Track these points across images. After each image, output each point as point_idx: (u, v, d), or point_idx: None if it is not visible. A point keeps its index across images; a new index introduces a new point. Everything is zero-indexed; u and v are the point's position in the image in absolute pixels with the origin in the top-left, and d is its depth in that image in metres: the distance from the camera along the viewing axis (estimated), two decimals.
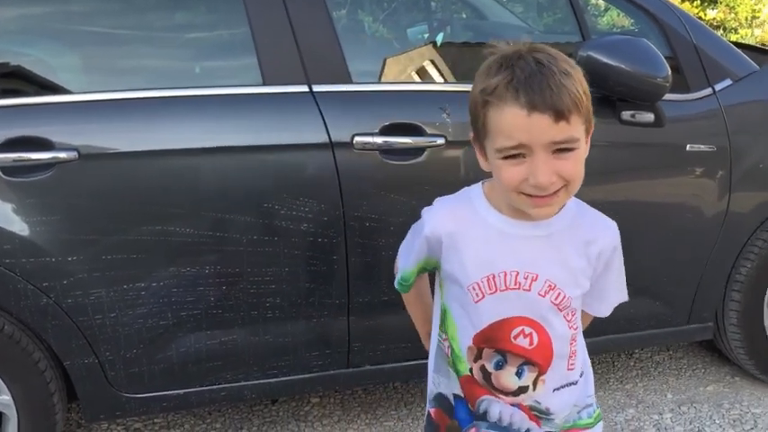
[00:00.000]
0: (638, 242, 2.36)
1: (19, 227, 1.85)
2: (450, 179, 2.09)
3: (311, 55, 2.03)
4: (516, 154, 1.16)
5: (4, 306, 1.90)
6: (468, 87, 2.12)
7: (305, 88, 2.02)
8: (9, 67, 1.95)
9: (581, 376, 1.39)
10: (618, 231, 1.34)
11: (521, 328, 1.29)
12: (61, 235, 1.87)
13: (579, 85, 1.17)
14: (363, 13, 2.77)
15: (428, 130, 2.06)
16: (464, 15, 3.43)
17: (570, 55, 2.17)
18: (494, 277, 1.27)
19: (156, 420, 2.54)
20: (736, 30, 8.55)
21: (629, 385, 2.75)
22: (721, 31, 8.43)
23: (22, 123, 1.85)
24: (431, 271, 1.41)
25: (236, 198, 1.97)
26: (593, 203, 2.22)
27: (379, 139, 2.02)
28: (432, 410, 1.45)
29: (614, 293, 1.39)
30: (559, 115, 1.13)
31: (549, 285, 1.27)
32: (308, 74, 2.02)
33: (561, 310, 1.30)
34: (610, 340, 2.48)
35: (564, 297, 1.29)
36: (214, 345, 2.07)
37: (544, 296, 1.28)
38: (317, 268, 2.07)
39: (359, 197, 2.03)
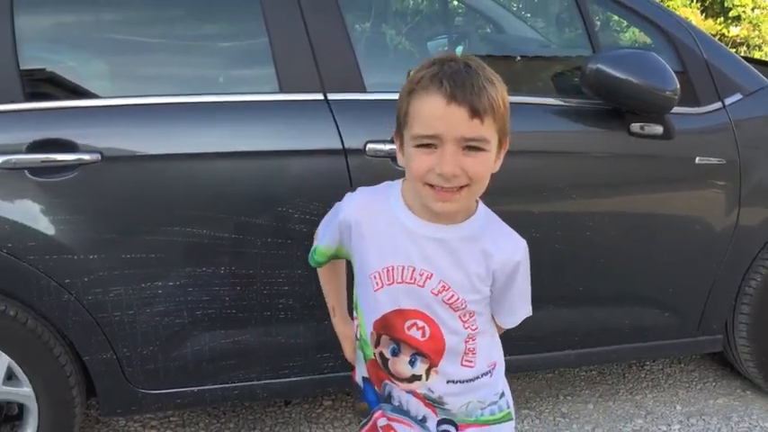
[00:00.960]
0: (647, 253, 2.39)
1: (43, 225, 1.92)
2: None
3: (326, 64, 2.10)
4: (429, 143, 1.24)
5: (28, 301, 1.97)
6: None
7: (320, 96, 2.08)
8: (38, 72, 2.03)
9: (486, 375, 1.45)
10: (525, 249, 1.39)
11: (414, 320, 1.37)
12: (84, 234, 1.95)
13: (500, 95, 1.25)
14: (386, 27, 2.84)
15: None
16: (484, 29, 3.49)
17: (580, 68, 2.23)
18: (392, 269, 1.35)
19: (171, 418, 2.61)
20: (760, 47, 8.51)
21: (639, 396, 2.76)
22: (745, 49, 8.39)
23: (49, 126, 1.93)
24: (343, 258, 1.52)
25: (252, 201, 2.04)
26: (603, 214, 2.28)
27: (392, 146, 2.07)
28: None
29: (520, 308, 1.45)
30: (475, 112, 1.21)
31: (443, 286, 1.34)
32: (324, 82, 2.09)
33: (455, 310, 1.36)
34: (619, 350, 2.50)
35: (457, 299, 1.35)
36: (228, 344, 2.13)
37: (436, 295, 1.35)
38: None
39: None
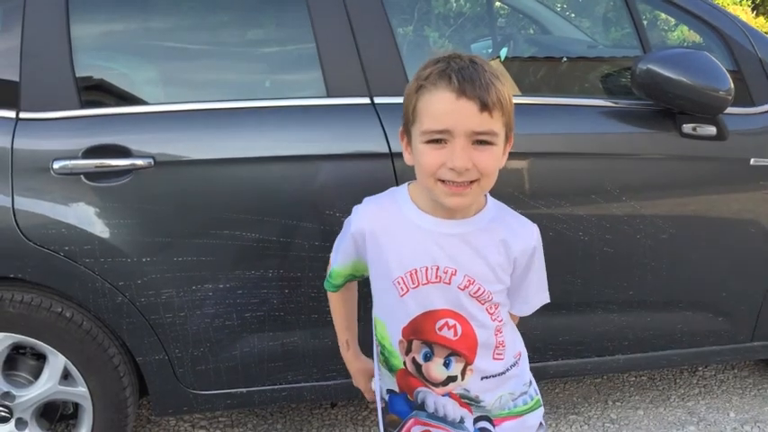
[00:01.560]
0: (699, 256, 2.34)
1: (99, 229, 1.97)
2: (508, 189, 2.12)
3: (373, 68, 2.11)
4: (439, 139, 1.26)
5: (83, 303, 2.02)
6: (530, 100, 2.17)
7: (366, 100, 2.09)
8: (92, 80, 2.09)
9: (514, 366, 1.46)
10: (538, 234, 1.42)
11: (444, 320, 1.37)
12: (136, 237, 1.99)
13: (505, 91, 1.28)
14: (429, 29, 2.84)
15: None
16: (529, 31, 3.46)
17: (629, 68, 2.20)
18: (416, 272, 1.36)
19: (220, 419, 2.64)
20: None
21: (691, 402, 2.71)
22: None
23: (103, 132, 1.98)
24: (359, 278, 1.51)
25: (299, 205, 2.06)
26: (654, 217, 2.24)
27: None
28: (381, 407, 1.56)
29: (536, 294, 1.47)
30: (484, 106, 1.23)
31: (469, 280, 1.36)
32: (370, 86, 2.10)
33: (482, 303, 1.38)
34: (670, 355, 2.45)
35: (483, 291, 1.37)
36: (276, 346, 2.15)
37: (464, 290, 1.36)
38: None
39: None
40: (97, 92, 2.09)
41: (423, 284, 1.36)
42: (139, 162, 1.97)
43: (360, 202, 2.05)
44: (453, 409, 1.44)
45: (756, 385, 2.82)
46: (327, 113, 2.09)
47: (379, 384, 1.54)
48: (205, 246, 2.03)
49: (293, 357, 2.18)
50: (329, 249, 2.08)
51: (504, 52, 2.90)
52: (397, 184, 2.05)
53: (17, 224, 1.93)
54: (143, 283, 2.01)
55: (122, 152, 1.97)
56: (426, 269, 1.36)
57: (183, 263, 2.03)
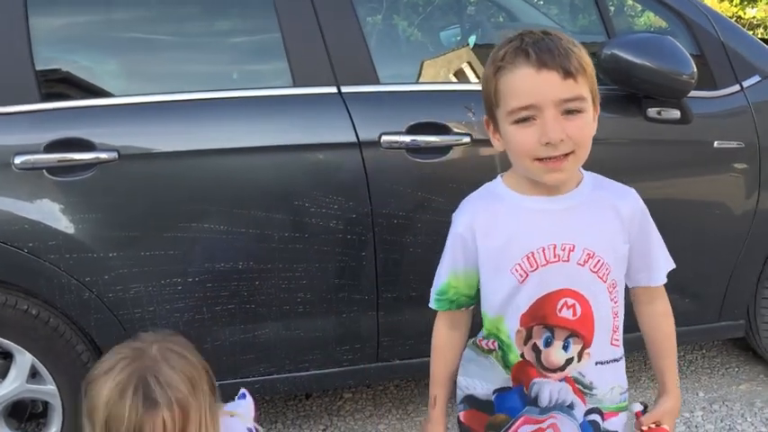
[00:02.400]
0: (666, 239, 2.36)
1: (63, 224, 1.94)
2: (476, 176, 2.11)
3: (339, 57, 2.09)
4: (527, 117, 1.22)
5: (50, 300, 1.99)
6: None
7: (334, 89, 2.08)
8: (53, 72, 2.05)
9: (623, 358, 1.42)
10: (638, 196, 1.39)
11: (564, 299, 1.32)
12: (102, 232, 1.96)
13: (585, 56, 1.24)
14: (398, 18, 2.83)
15: (454, 129, 2.11)
16: (498, 18, 3.47)
17: (594, 54, 2.22)
18: (533, 254, 1.31)
19: None
20: None
21: None
22: (762, 30, 8.29)
23: (65, 126, 1.95)
24: (470, 303, 1.42)
25: (268, 196, 2.04)
26: None
27: (406, 138, 2.08)
28: (462, 414, 1.47)
29: (661, 258, 1.42)
30: (567, 73, 1.20)
31: (588, 254, 1.31)
32: (337, 75, 2.08)
33: (603, 281, 1.33)
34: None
35: (602, 263, 1.32)
36: (247, 338, 2.14)
37: (583, 265, 1.31)
38: (346, 265, 2.12)
39: (386, 195, 2.09)
40: (58, 85, 2.06)
41: (542, 266, 1.31)
42: (103, 156, 1.94)
43: (331, 192, 2.05)
44: (566, 395, 1.37)
45: (724, 365, 2.87)
46: (294, 103, 2.08)
47: (484, 386, 1.43)
48: (173, 239, 2.01)
49: (265, 350, 2.17)
50: (299, 240, 2.08)
51: (472, 40, 2.90)
52: (366, 174, 2.07)
53: None
54: (110, 279, 1.99)
55: (86, 146, 1.94)
56: (543, 249, 1.31)
57: (150, 257, 2.00)
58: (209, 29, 2.27)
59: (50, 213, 1.93)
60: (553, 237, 1.31)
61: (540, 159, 1.24)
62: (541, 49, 1.20)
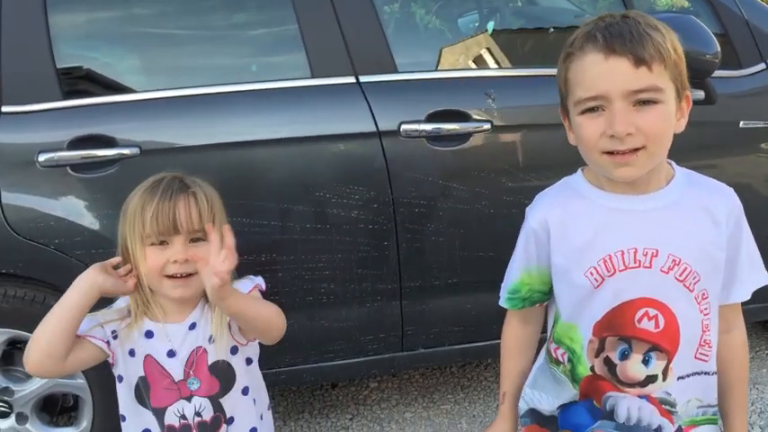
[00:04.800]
0: None
1: (88, 220, 1.96)
2: (497, 163, 2.12)
3: (357, 47, 2.09)
4: (595, 107, 1.12)
5: None
6: (519, 72, 2.15)
7: (352, 79, 2.07)
8: (74, 70, 2.07)
9: (714, 374, 1.27)
10: (735, 195, 1.24)
11: (644, 309, 1.19)
12: None
13: (669, 42, 1.13)
14: (416, 6, 2.81)
15: (474, 116, 2.10)
16: (516, 2, 3.43)
17: None
18: (610, 258, 1.19)
19: None
20: None
21: None
22: None
23: (87, 122, 1.97)
24: (543, 299, 1.33)
25: (289, 188, 2.05)
26: None
27: (426, 126, 2.07)
28: (523, 429, 1.39)
29: (750, 272, 1.24)
30: (639, 60, 1.08)
31: (673, 260, 1.18)
32: (355, 65, 2.08)
33: (691, 290, 1.19)
34: None
35: (690, 272, 1.18)
36: None
37: (668, 272, 1.18)
38: (368, 254, 2.12)
39: (407, 183, 2.08)
40: (79, 82, 2.08)
41: (620, 271, 1.19)
42: (126, 151, 1.95)
43: (351, 182, 2.05)
44: (651, 416, 1.23)
45: (754, 347, 2.83)
46: (313, 94, 2.07)
47: (550, 400, 1.33)
48: None
49: (290, 341, 2.16)
50: (321, 231, 2.08)
51: (491, 25, 2.88)
52: (386, 163, 2.07)
53: (5, 219, 1.92)
54: None
55: (108, 142, 1.96)
56: (623, 253, 1.18)
57: None
58: (227, 22, 2.27)
59: (75, 210, 1.95)
60: (635, 240, 1.18)
61: (608, 153, 1.13)
62: (612, 34, 1.09)
